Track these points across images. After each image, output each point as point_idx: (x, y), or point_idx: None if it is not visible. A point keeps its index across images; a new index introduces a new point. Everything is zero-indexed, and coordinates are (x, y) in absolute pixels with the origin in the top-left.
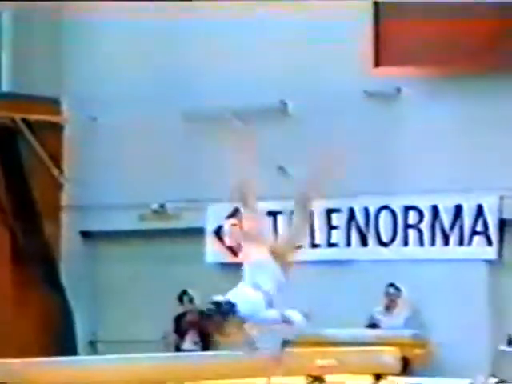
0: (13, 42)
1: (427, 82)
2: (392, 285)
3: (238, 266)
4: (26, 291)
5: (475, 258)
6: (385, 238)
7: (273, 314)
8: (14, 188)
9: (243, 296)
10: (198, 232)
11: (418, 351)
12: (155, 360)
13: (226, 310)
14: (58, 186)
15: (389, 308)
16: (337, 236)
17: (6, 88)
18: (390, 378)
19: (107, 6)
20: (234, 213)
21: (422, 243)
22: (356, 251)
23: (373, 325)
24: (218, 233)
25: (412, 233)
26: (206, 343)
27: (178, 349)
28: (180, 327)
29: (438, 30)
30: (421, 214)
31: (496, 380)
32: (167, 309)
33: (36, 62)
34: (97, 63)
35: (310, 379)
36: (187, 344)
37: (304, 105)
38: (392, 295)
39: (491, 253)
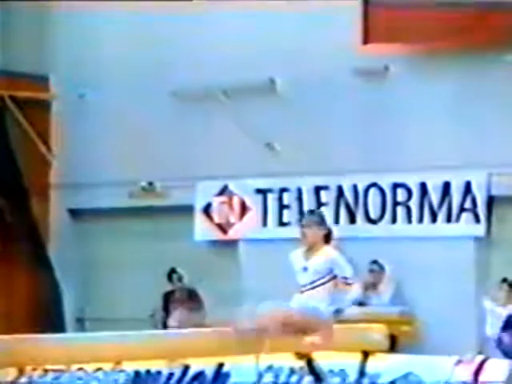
0: (0, 20)
1: (415, 59)
2: (375, 262)
3: (227, 243)
4: (14, 269)
5: (463, 235)
6: (373, 216)
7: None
8: (1, 166)
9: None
10: (187, 209)
11: (405, 328)
12: (143, 337)
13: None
14: (46, 164)
15: (374, 285)
16: (325, 213)
17: None
18: (377, 354)
19: None
20: (223, 190)
21: (410, 221)
22: (344, 228)
23: (360, 303)
24: (207, 210)
25: (400, 210)
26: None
27: (165, 326)
28: (168, 305)
29: (425, 7)
30: (409, 191)
31: (483, 357)
32: (155, 287)
33: (23, 39)
34: (85, 40)
35: (298, 356)
36: (175, 321)
37: (292, 82)
38: (375, 272)
39: (479, 230)
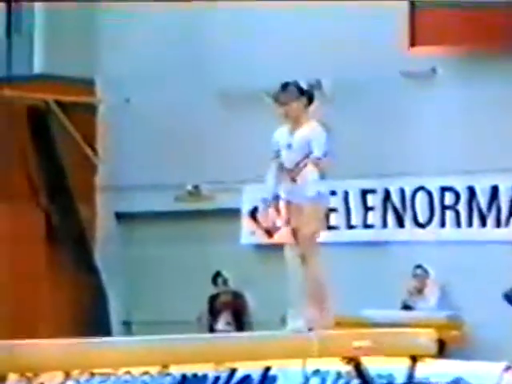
0: (45, 23)
1: (462, 61)
2: (419, 266)
3: (273, 247)
4: (61, 272)
5: None
6: (421, 220)
7: None
8: (47, 170)
9: None
10: (233, 213)
11: (453, 333)
12: (190, 341)
13: None
14: (92, 167)
15: (420, 290)
16: (373, 217)
17: (38, 70)
18: (426, 359)
19: None
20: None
21: (459, 225)
22: (392, 232)
23: (407, 307)
24: (254, 214)
25: (449, 214)
26: (239, 324)
27: (211, 329)
28: (214, 308)
29: (472, 9)
30: (457, 195)
31: None
32: (201, 290)
33: (69, 43)
34: (130, 44)
35: (346, 361)
36: (221, 325)
37: (339, 84)
38: (419, 276)
39: None
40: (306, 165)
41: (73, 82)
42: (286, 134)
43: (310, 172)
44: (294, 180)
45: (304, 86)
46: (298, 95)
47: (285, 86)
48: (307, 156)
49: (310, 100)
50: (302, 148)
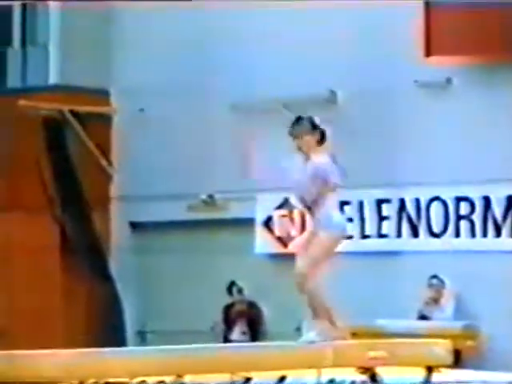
0: (60, 34)
1: (478, 71)
2: (435, 276)
3: (287, 256)
4: (75, 282)
5: None
6: (436, 229)
7: None
8: (62, 180)
9: None
10: (247, 222)
11: (469, 343)
12: (205, 351)
13: None
14: (107, 177)
15: (436, 300)
16: (387, 227)
17: (53, 80)
18: (442, 369)
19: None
20: (284, 203)
21: (473, 235)
22: (407, 242)
23: (423, 317)
24: (268, 223)
25: (464, 224)
26: (254, 333)
27: (226, 339)
28: (229, 318)
29: (489, 19)
30: (472, 205)
31: None
32: (216, 299)
33: (84, 53)
34: (144, 54)
35: (361, 371)
36: (235, 334)
37: (354, 94)
38: (435, 287)
39: None
40: (322, 196)
41: (88, 92)
42: (299, 169)
43: (326, 201)
44: (312, 214)
45: (317, 121)
46: (311, 129)
47: (298, 120)
48: (320, 187)
49: (323, 137)
50: (313, 181)
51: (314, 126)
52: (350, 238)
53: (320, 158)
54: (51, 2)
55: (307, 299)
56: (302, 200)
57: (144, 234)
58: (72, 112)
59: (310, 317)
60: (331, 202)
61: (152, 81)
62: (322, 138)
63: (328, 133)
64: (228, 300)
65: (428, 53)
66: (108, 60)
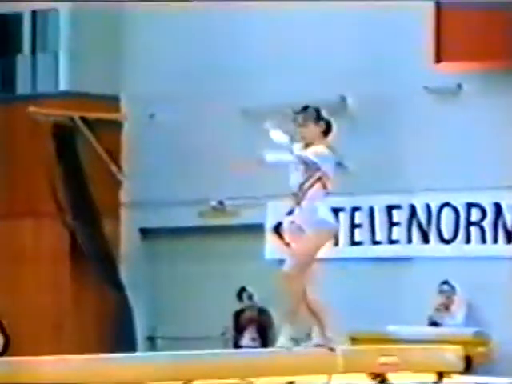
0: (70, 40)
1: (488, 77)
2: (446, 282)
3: None
4: (85, 289)
5: None
6: (446, 236)
7: None
8: (72, 186)
9: None
10: (257, 228)
11: (480, 349)
12: (215, 356)
13: None
14: (117, 183)
15: (447, 306)
16: (398, 233)
17: (63, 87)
18: (453, 375)
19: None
20: (294, 209)
21: (484, 241)
22: (417, 248)
23: (433, 323)
24: (278, 229)
25: (474, 230)
26: (264, 340)
27: (236, 345)
28: (239, 324)
29: (499, 25)
30: (483, 211)
31: None
32: (226, 305)
33: (94, 59)
34: (154, 60)
35: (372, 376)
36: (246, 340)
37: (364, 100)
38: (446, 293)
39: None
40: (311, 186)
41: (98, 98)
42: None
43: (315, 194)
44: (298, 203)
45: (324, 113)
46: (317, 119)
47: (305, 108)
48: (310, 176)
49: (328, 129)
50: (305, 167)
51: (320, 117)
52: (361, 244)
53: (319, 147)
54: (61, 9)
55: (289, 299)
56: (294, 186)
57: (154, 240)
58: (82, 118)
59: (285, 320)
60: (319, 194)
61: (162, 87)
62: (327, 131)
63: (334, 128)
64: (238, 306)
65: (438, 59)
66: (118, 66)
